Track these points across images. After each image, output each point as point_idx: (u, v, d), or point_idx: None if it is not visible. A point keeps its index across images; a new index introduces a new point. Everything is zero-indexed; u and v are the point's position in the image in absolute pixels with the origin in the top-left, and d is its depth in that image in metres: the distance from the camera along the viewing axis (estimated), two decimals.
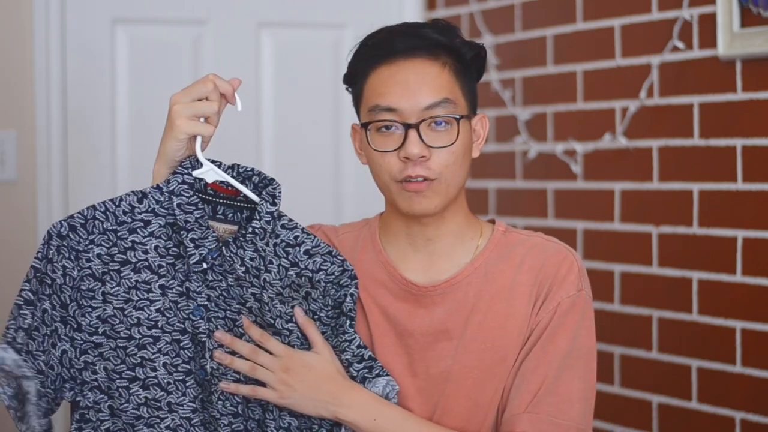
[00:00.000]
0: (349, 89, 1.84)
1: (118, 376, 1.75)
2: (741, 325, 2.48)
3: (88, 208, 1.75)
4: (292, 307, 1.76)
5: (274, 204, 1.76)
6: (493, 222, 1.88)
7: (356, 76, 1.80)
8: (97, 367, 1.74)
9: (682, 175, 2.62)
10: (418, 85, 1.74)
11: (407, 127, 1.73)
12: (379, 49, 1.77)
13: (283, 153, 3.27)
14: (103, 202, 1.75)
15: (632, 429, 2.74)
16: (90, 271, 1.73)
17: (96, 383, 1.75)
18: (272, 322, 1.75)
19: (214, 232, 1.75)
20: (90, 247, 1.73)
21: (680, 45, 2.60)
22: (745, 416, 2.47)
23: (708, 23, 2.53)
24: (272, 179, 1.78)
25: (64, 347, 1.73)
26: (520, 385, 1.76)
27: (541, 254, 1.81)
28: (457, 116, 1.75)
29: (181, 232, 1.73)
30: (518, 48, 3.08)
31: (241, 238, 1.74)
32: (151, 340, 1.74)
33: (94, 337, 1.74)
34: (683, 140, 2.61)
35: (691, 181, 2.60)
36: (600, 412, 2.76)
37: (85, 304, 1.73)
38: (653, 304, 2.70)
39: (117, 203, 1.75)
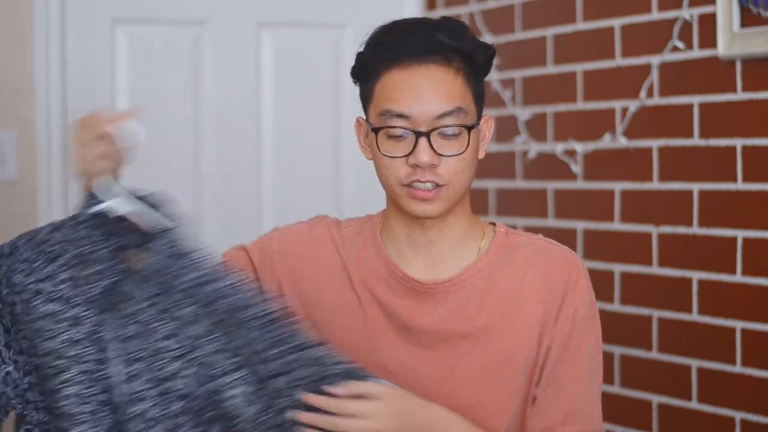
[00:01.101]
0: (356, 83, 1.83)
1: (49, 400, 1.74)
2: (741, 325, 2.48)
3: (13, 239, 1.74)
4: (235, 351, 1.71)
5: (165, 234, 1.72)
6: (493, 224, 1.88)
7: (367, 74, 1.78)
8: (36, 389, 1.74)
9: (682, 175, 2.62)
10: (431, 92, 1.72)
11: (418, 134, 1.71)
12: (393, 51, 1.74)
13: (283, 153, 3.27)
14: (26, 233, 1.75)
15: (632, 429, 2.74)
16: (9, 299, 1.73)
17: (43, 404, 1.74)
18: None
19: (121, 263, 1.73)
20: (10, 275, 1.73)
21: (680, 45, 2.60)
22: (745, 416, 2.47)
23: (708, 23, 2.53)
24: (171, 199, 1.76)
25: (8, 369, 1.73)
26: (556, 396, 1.77)
27: (547, 258, 1.81)
28: (469, 125, 1.74)
29: (89, 264, 1.72)
30: (518, 48, 3.08)
31: (142, 272, 1.72)
32: (57, 371, 1.71)
33: (33, 358, 1.73)
34: (683, 140, 2.61)
35: (691, 181, 2.60)
36: None
37: (20, 329, 1.73)
38: (653, 304, 2.70)
39: (35, 234, 1.74)
